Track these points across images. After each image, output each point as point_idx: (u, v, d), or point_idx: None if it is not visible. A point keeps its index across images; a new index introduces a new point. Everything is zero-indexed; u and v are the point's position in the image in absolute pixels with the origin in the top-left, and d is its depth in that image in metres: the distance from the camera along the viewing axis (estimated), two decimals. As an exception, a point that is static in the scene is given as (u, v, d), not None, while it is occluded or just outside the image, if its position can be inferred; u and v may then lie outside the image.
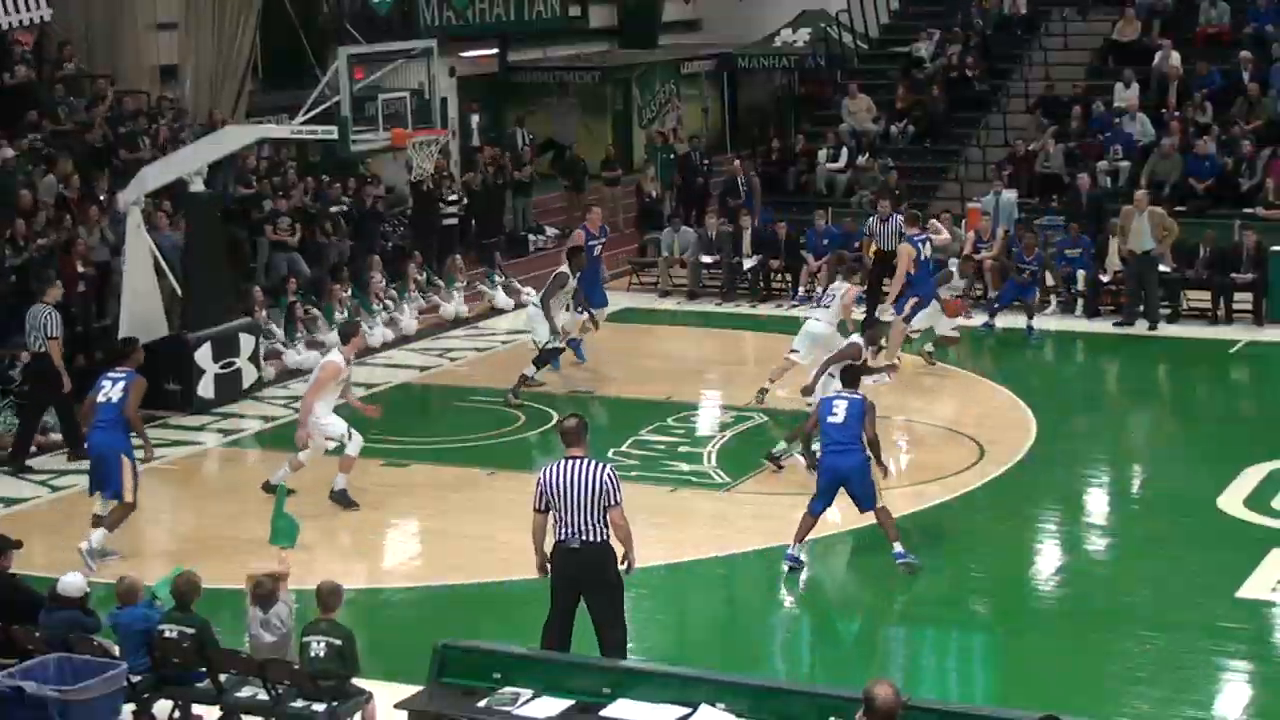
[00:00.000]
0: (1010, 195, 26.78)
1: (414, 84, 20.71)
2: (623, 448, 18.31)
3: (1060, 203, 27.12)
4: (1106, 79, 29.78)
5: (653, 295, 27.05)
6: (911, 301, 20.78)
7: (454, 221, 27.63)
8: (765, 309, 25.66)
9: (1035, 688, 12.05)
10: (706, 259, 27.06)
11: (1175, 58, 29.23)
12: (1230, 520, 15.46)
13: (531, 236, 30.57)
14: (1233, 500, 16.04)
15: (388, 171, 28.46)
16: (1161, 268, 24.10)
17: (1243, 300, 24.04)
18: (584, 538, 11.13)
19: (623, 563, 11.40)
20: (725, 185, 29.10)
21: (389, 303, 24.37)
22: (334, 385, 16.04)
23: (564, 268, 20.49)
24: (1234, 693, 12.50)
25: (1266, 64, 28.87)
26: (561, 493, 11.11)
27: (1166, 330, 23.64)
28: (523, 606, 12.55)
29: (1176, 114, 28.25)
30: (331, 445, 16.37)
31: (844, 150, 29.68)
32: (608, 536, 11.19)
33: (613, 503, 11.09)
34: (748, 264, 26.67)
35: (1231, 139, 27.39)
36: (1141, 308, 23.92)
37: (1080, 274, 24.85)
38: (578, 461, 11.19)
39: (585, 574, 11.25)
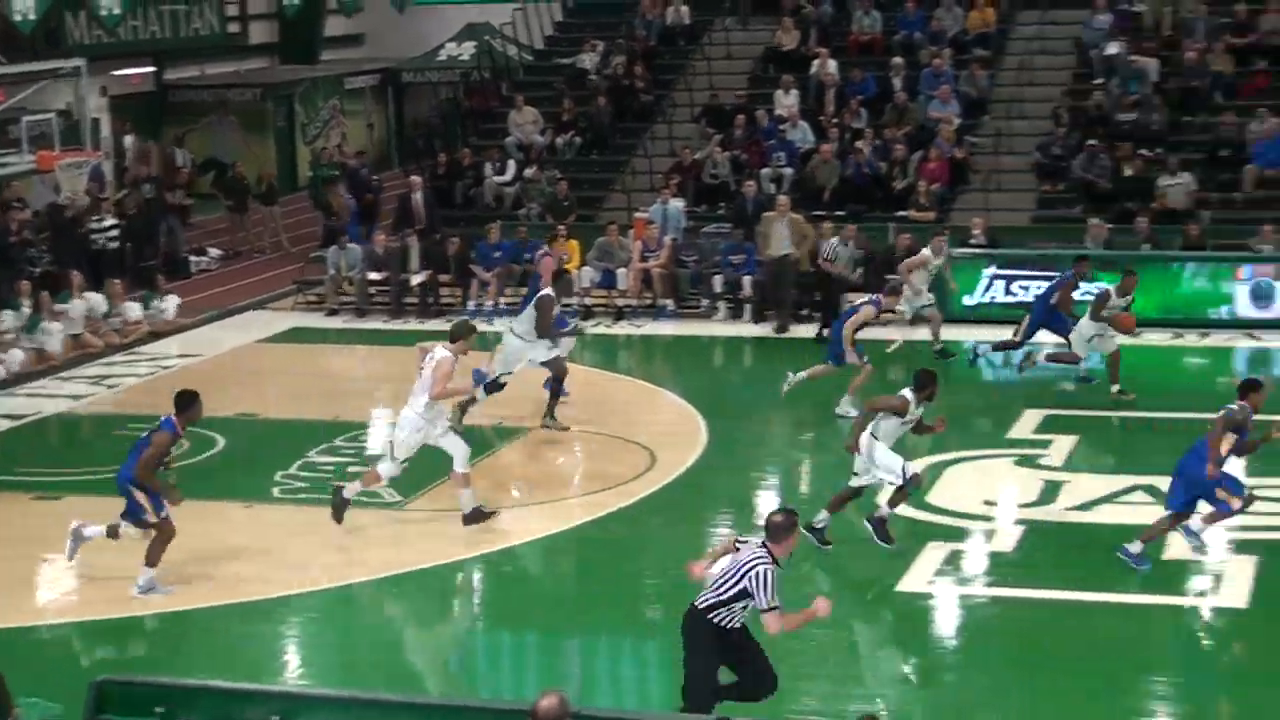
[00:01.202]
0: (677, 204, 27.11)
1: (62, 104, 19.90)
2: (291, 470, 17.88)
3: (726, 210, 27.55)
4: (767, 87, 30.39)
5: (320, 314, 26.52)
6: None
7: (112, 245, 26.65)
8: (434, 324, 25.40)
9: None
10: (374, 276, 26.65)
11: (832, 65, 30.01)
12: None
13: (194, 258, 29.75)
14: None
15: (36, 193, 27.32)
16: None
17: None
18: (698, 599, 10.91)
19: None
20: (399, 201, 28.73)
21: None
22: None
23: (549, 291, 19.20)
24: (896, 683, 12.81)
25: (916, 70, 29.83)
26: (731, 559, 10.93)
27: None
28: (184, 638, 12.08)
29: (835, 120, 29.01)
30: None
31: (510, 163, 29.62)
32: (707, 609, 10.77)
33: (762, 606, 10.63)
34: (415, 280, 26.37)
35: (885, 143, 28.23)
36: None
37: (746, 279, 25.26)
38: (756, 546, 10.80)
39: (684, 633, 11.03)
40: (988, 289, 24.85)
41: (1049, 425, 19.08)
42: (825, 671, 12.67)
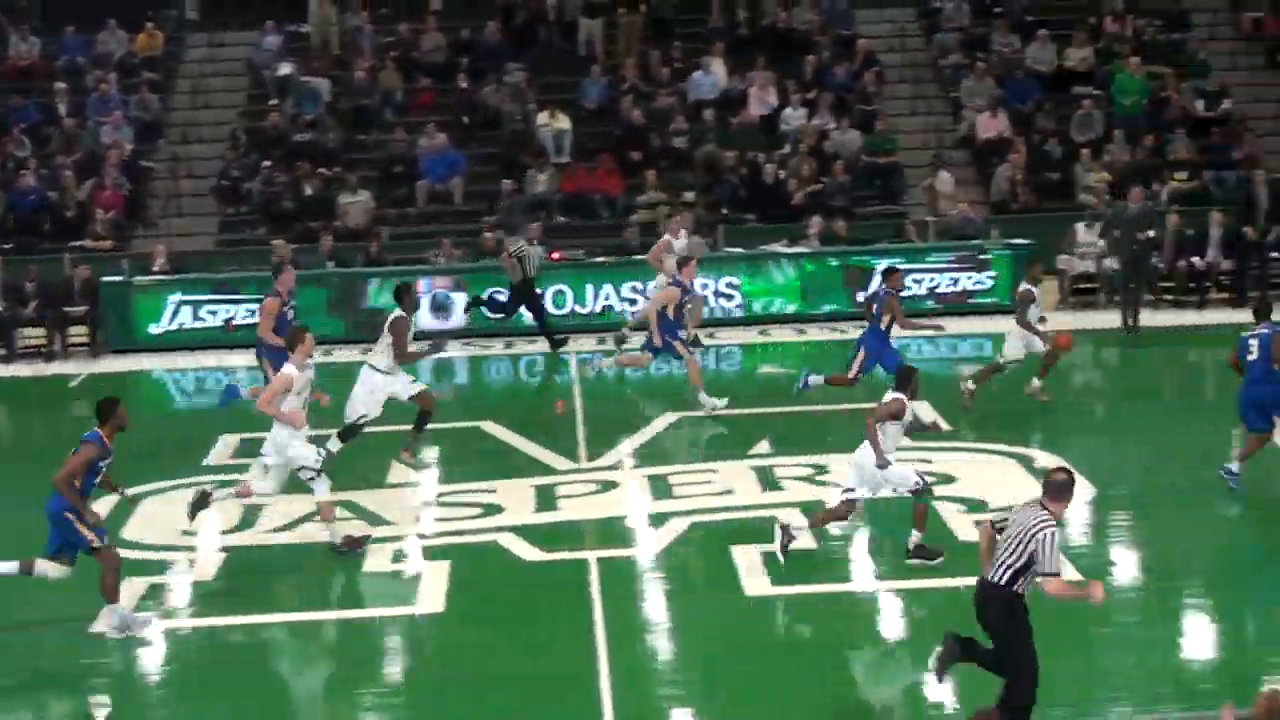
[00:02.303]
0: None
1: None
2: None
3: None
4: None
5: None
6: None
7: None
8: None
9: None
10: None
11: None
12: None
13: None
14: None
15: None
16: None
17: (78, 333, 23.69)
18: (988, 574, 10.56)
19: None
20: None
21: None
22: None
23: (400, 311, 16.93)
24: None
25: (83, 95, 28.67)
26: (1010, 529, 10.52)
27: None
28: None
29: (-4, 150, 27.46)
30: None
31: None
32: (1008, 585, 10.39)
33: (1047, 570, 10.27)
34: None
35: (53, 171, 26.94)
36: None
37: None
38: (1039, 513, 10.39)
39: (978, 612, 10.70)
40: (175, 316, 24.19)
41: (245, 450, 18.64)
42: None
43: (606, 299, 24.83)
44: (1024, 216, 26.57)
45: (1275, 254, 25.12)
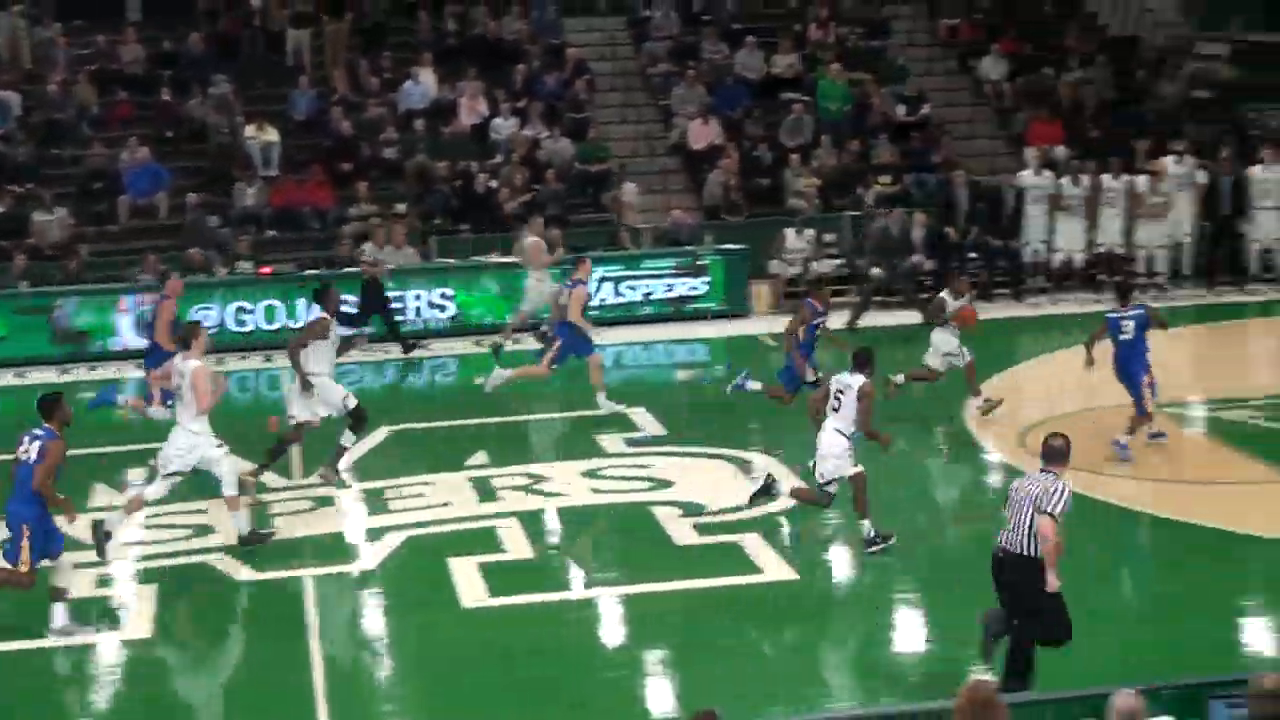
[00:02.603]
0: None
1: None
2: None
3: None
4: None
5: None
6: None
7: None
8: None
9: None
10: None
11: None
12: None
13: None
14: None
15: None
16: None
17: None
18: (1006, 545, 10.97)
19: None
20: None
21: None
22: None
23: (321, 312, 16.75)
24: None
25: None
26: (1016, 502, 10.97)
27: None
28: None
29: None
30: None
31: None
32: (1034, 550, 10.80)
33: (1045, 509, 10.71)
34: None
35: None
36: None
37: None
38: (1047, 477, 10.94)
39: (1002, 574, 11.09)
40: None
41: None
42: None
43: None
44: (736, 222, 26.84)
45: (973, 254, 25.83)
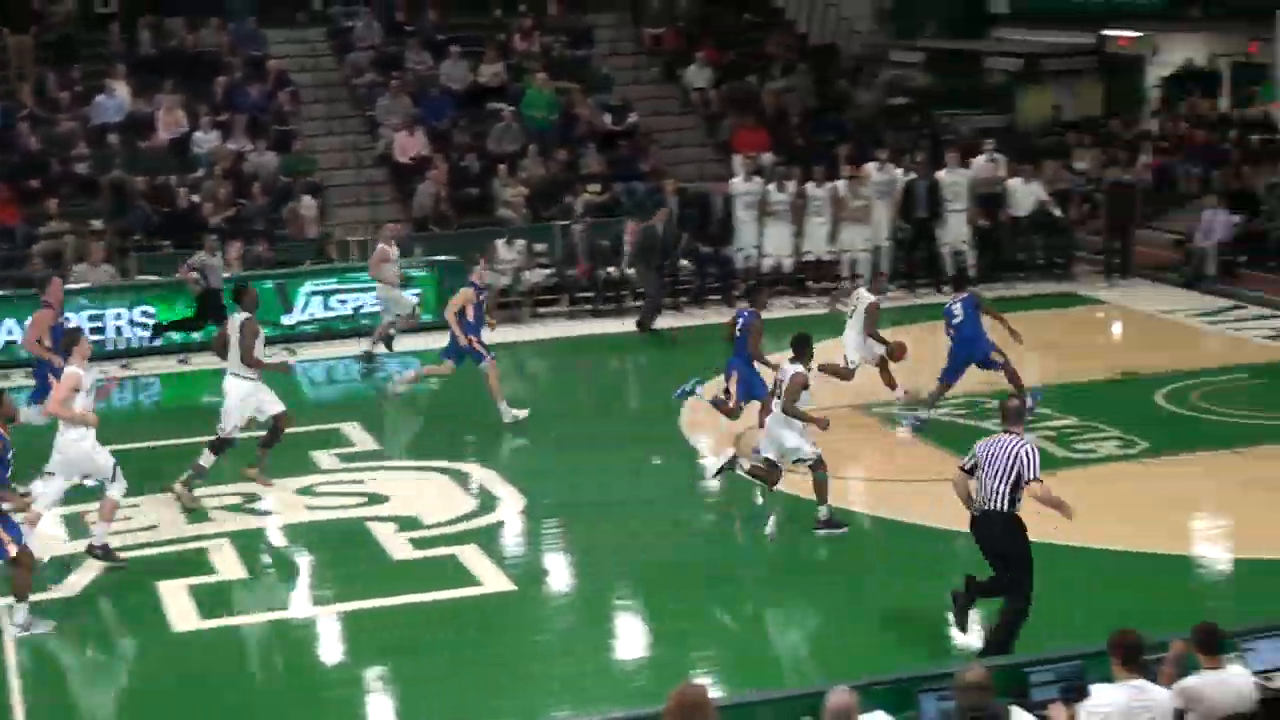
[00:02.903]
0: None
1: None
2: None
3: None
4: None
5: None
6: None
7: None
8: None
9: None
10: None
11: None
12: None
13: None
14: None
15: None
16: None
17: None
18: (986, 506, 11.47)
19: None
20: None
21: None
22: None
23: (245, 314, 16.45)
24: None
25: None
26: (986, 462, 11.44)
27: None
28: None
29: None
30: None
31: None
32: (1010, 507, 11.39)
33: (1030, 478, 11.27)
34: None
35: None
36: None
37: None
38: (1010, 438, 11.46)
39: (984, 540, 11.64)
40: None
41: None
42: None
43: (9, 334, 23.23)
44: (446, 234, 26.59)
45: (685, 261, 26.05)
